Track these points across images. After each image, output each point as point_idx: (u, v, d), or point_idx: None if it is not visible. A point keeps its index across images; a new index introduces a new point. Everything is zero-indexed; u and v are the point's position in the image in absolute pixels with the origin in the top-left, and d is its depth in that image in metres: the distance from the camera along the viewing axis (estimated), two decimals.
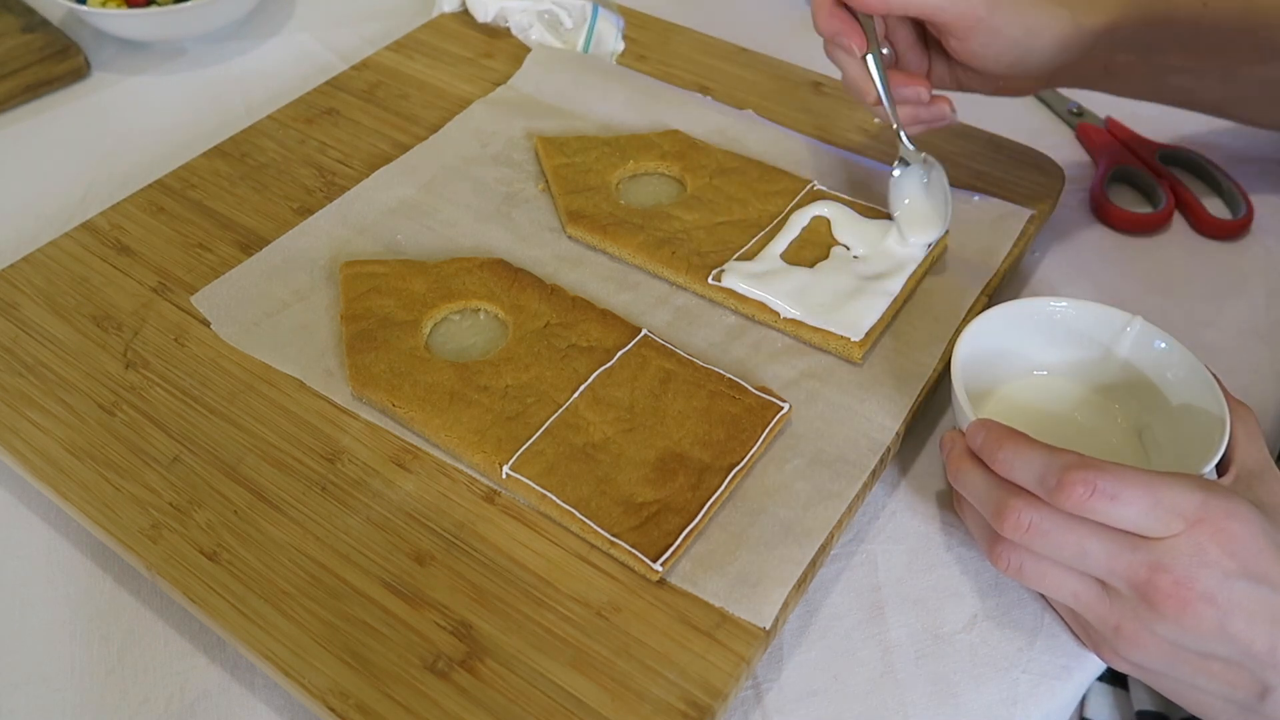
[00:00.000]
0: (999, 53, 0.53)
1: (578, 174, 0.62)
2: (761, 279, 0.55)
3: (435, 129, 0.67)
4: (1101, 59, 0.56)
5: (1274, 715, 0.38)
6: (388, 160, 0.65)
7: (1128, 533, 0.38)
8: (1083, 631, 0.43)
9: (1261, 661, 0.37)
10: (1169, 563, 0.37)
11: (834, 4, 0.53)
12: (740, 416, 0.49)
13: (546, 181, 0.63)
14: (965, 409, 0.45)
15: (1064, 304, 0.50)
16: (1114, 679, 0.51)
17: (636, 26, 0.77)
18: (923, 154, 0.56)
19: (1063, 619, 0.45)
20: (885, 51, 0.55)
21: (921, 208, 0.56)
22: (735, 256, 0.56)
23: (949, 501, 0.50)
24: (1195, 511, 0.38)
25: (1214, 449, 0.43)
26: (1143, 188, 0.68)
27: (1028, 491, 0.40)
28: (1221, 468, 0.44)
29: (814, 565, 0.45)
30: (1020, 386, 0.51)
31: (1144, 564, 0.38)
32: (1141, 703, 0.51)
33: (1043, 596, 0.46)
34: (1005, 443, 0.41)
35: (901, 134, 0.56)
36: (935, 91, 0.56)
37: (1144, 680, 0.42)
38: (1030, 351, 0.51)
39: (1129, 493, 0.38)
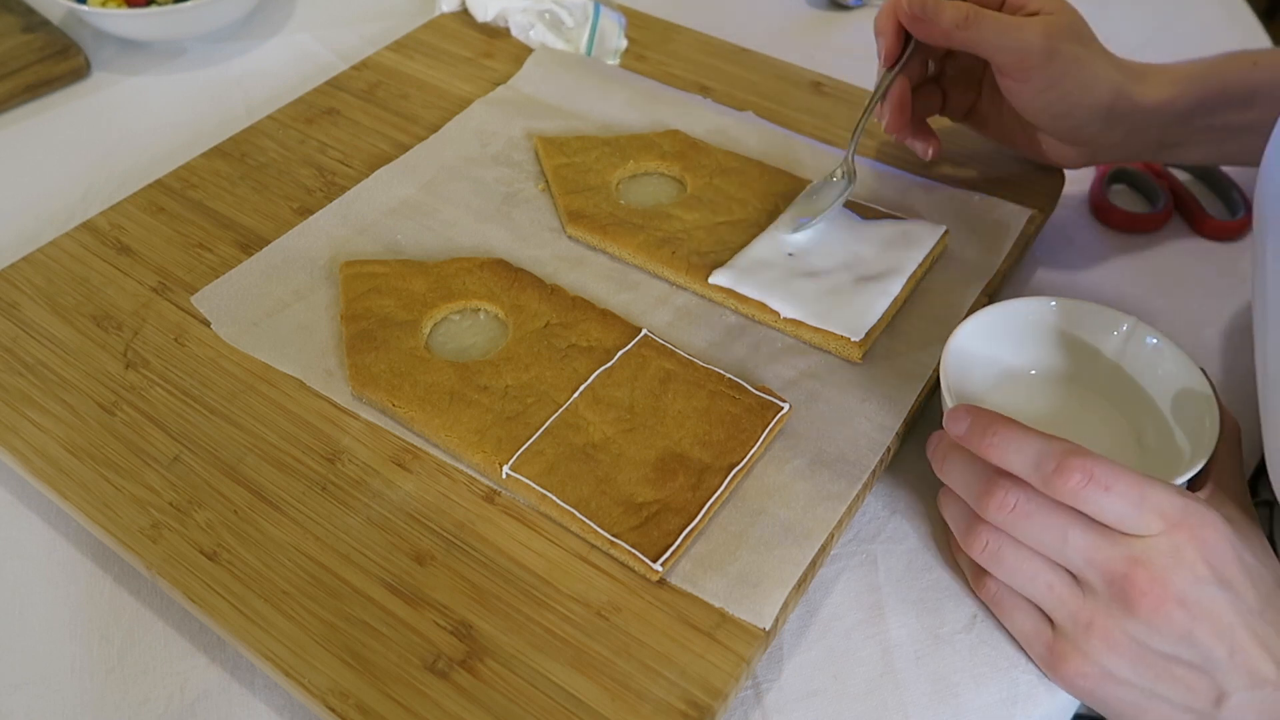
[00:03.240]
0: (1049, 102, 0.54)
1: (578, 174, 0.62)
2: (761, 278, 0.55)
3: (435, 129, 0.67)
4: (1155, 135, 0.56)
5: None
6: (388, 160, 0.65)
7: (1109, 528, 0.39)
8: (1045, 648, 0.43)
9: (1221, 667, 0.38)
10: (1147, 560, 0.38)
11: (894, 9, 0.54)
12: (740, 416, 0.49)
13: (546, 181, 0.63)
14: (949, 402, 0.45)
15: (1055, 304, 0.50)
16: None
17: (636, 26, 0.77)
18: (846, 172, 0.59)
19: (1021, 646, 0.45)
20: (929, 72, 0.60)
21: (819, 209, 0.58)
22: (735, 256, 0.56)
23: None
24: (1177, 515, 0.38)
25: (1199, 459, 0.43)
26: (1142, 188, 0.68)
27: (1013, 476, 0.40)
28: (1199, 480, 0.44)
29: (814, 565, 0.45)
30: (1013, 387, 0.51)
31: (1123, 558, 0.39)
32: None
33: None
34: (998, 427, 0.41)
35: (852, 149, 0.58)
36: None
37: (1099, 702, 0.42)
38: (1023, 352, 0.51)
39: (1120, 486, 0.38)
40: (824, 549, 0.45)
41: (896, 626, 0.46)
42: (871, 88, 0.70)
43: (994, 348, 0.50)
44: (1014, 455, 0.40)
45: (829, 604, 0.47)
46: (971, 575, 0.46)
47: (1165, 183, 0.67)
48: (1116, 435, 0.49)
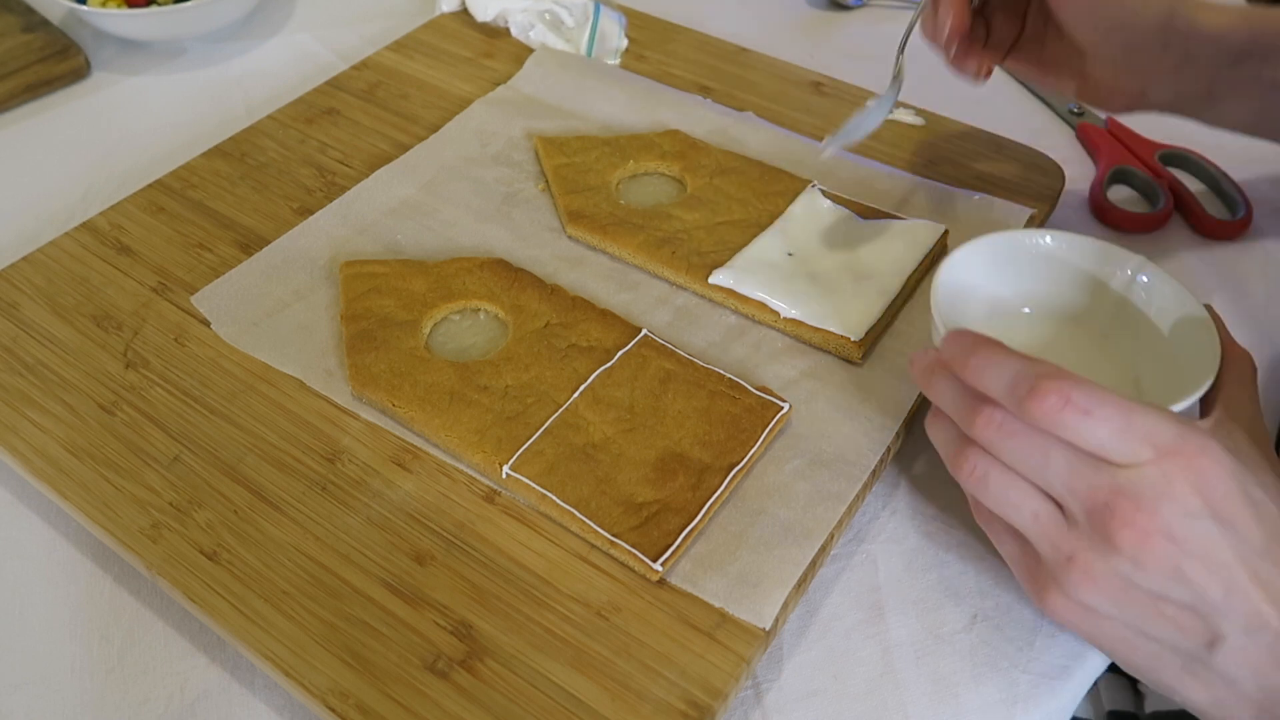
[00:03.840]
0: (1102, 12, 0.50)
1: (578, 174, 0.62)
2: (761, 278, 0.55)
3: (435, 129, 0.67)
4: (1206, 76, 0.52)
5: (1221, 667, 0.36)
6: (388, 160, 0.65)
7: (1094, 455, 0.36)
8: (1029, 575, 0.40)
9: (1216, 608, 0.35)
10: (1132, 490, 0.35)
11: None
12: (740, 416, 0.49)
13: (546, 181, 0.63)
14: (936, 320, 0.44)
15: (1048, 237, 0.49)
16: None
17: (637, 26, 0.77)
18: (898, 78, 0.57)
19: (1011, 568, 0.42)
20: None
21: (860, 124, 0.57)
22: (735, 256, 0.56)
23: (949, 501, 0.50)
24: (1169, 443, 0.35)
25: (1199, 386, 0.42)
26: (1142, 188, 0.68)
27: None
28: (1205, 409, 0.42)
29: (814, 565, 0.45)
30: (1005, 324, 0.50)
31: (1106, 487, 0.36)
32: (1112, 702, 0.51)
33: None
34: (979, 349, 0.39)
35: (901, 57, 0.56)
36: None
37: (1085, 634, 0.39)
38: (1016, 288, 0.50)
39: (1102, 411, 0.35)
40: (824, 549, 0.45)
41: (896, 626, 0.46)
42: (869, 86, 0.71)
43: (986, 281, 0.49)
44: (991, 377, 0.38)
45: (829, 604, 0.47)
46: (970, 498, 0.43)
47: (1165, 183, 0.67)
48: (1117, 375, 0.48)
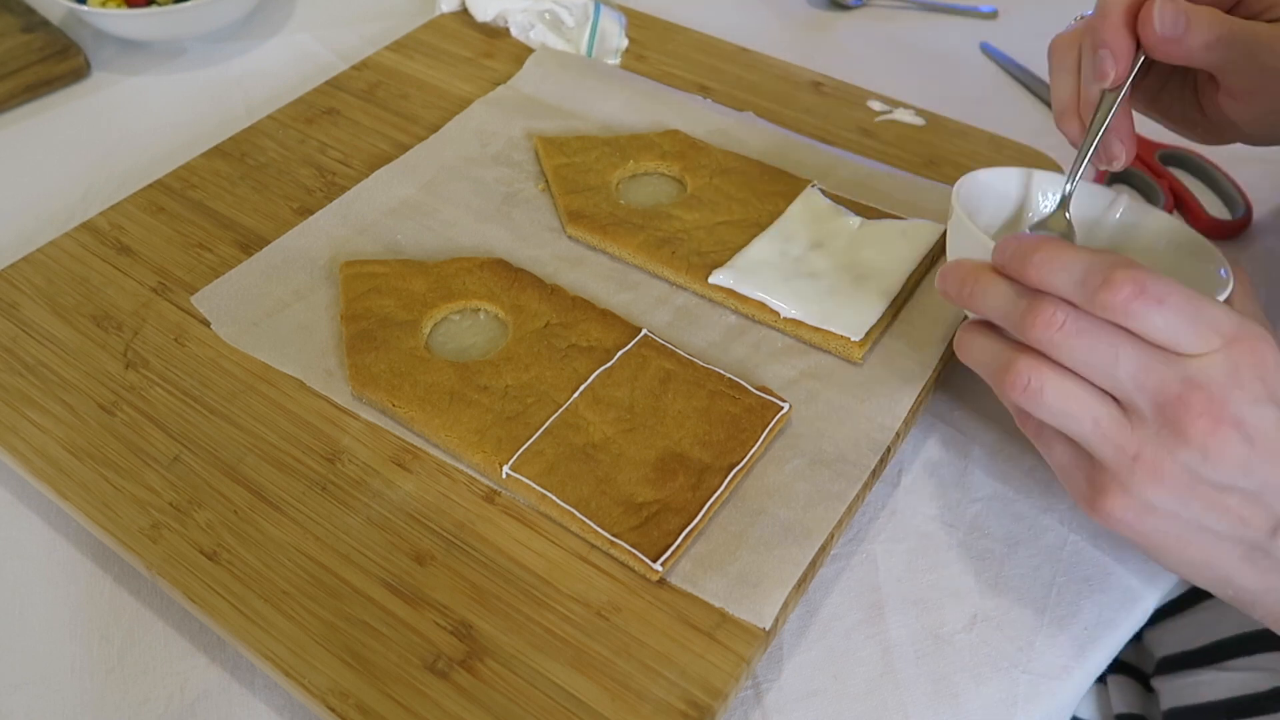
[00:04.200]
0: (1264, 117, 0.48)
1: (578, 174, 0.62)
2: (761, 278, 0.55)
3: (435, 129, 0.67)
4: None
5: None
6: (388, 160, 0.65)
7: (1161, 348, 0.36)
8: (1086, 481, 0.39)
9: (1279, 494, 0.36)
10: (1204, 380, 0.35)
11: (1126, 20, 0.45)
12: (740, 416, 0.49)
13: (546, 181, 0.63)
14: (974, 232, 0.42)
15: (1042, 176, 0.49)
16: (1098, 678, 0.51)
17: (637, 26, 0.77)
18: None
19: (1057, 476, 0.42)
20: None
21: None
22: (735, 256, 0.56)
23: (949, 501, 0.50)
24: (1233, 330, 0.36)
25: (1223, 288, 0.42)
26: (1142, 188, 0.68)
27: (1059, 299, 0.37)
28: None
29: (814, 565, 0.45)
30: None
31: (1177, 379, 0.36)
32: (1122, 705, 0.51)
33: (1033, 598, 0.46)
34: (1042, 246, 0.37)
35: (1078, 175, 0.48)
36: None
37: (1141, 536, 0.39)
38: (1026, 213, 0.50)
39: (1174, 299, 0.35)
40: (824, 549, 0.45)
41: (896, 626, 0.46)
42: (869, 86, 0.71)
43: (995, 205, 0.49)
44: (1059, 273, 0.37)
45: (829, 604, 0.47)
46: (1014, 411, 0.42)
47: (1165, 183, 0.67)
48: None
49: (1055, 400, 0.38)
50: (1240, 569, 0.38)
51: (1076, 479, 0.40)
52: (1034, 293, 0.38)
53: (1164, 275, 0.36)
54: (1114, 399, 0.37)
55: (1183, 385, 0.35)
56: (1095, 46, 0.46)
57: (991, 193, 0.49)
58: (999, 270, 0.39)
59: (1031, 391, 0.38)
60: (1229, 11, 0.46)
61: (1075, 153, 0.48)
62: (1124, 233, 0.48)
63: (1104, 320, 0.36)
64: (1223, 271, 0.43)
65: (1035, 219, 0.50)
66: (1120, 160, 0.48)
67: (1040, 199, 0.50)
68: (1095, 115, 0.47)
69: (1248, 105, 0.47)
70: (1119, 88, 0.46)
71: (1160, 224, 0.47)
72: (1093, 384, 0.38)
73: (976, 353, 0.41)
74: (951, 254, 0.46)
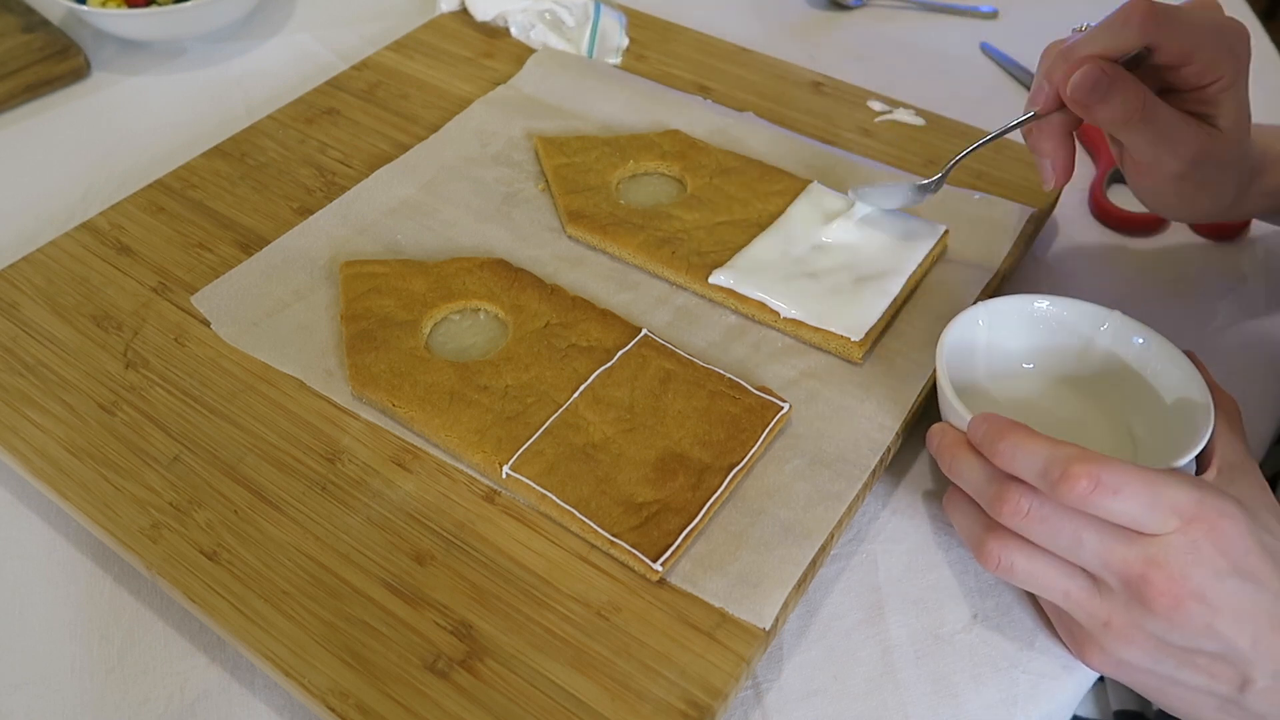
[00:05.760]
0: (1167, 198, 0.51)
1: (578, 174, 0.62)
2: (761, 278, 0.55)
3: (435, 129, 0.67)
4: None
5: (1253, 707, 0.39)
6: (388, 160, 0.65)
7: (1123, 527, 0.39)
8: (1068, 633, 0.43)
9: (1245, 656, 0.38)
10: (1164, 559, 0.38)
11: (1073, 68, 0.46)
12: (740, 416, 0.49)
13: (546, 181, 0.63)
14: (954, 402, 0.45)
15: (1046, 302, 0.50)
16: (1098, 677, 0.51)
17: (637, 26, 0.77)
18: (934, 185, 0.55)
19: (1049, 624, 0.45)
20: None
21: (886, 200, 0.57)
22: (735, 256, 0.56)
23: None
24: (1191, 509, 0.38)
25: (1197, 439, 0.43)
26: None
27: (1026, 483, 0.40)
28: (1203, 460, 0.44)
29: (814, 565, 0.45)
30: (1007, 382, 0.51)
31: (1139, 559, 0.38)
32: (1119, 702, 0.51)
33: (1033, 600, 0.46)
34: (1007, 434, 0.41)
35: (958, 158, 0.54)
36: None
37: (1125, 681, 0.42)
38: (1016, 346, 0.51)
39: (1130, 488, 0.38)
40: (824, 549, 0.45)
41: (896, 626, 0.46)
42: (869, 86, 0.71)
43: (987, 343, 0.50)
44: (1023, 463, 0.40)
45: (829, 604, 0.47)
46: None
47: None
48: (1112, 427, 0.49)
49: (1026, 576, 0.41)
50: (1219, 718, 0.40)
51: (1062, 627, 0.44)
52: (1004, 476, 0.41)
53: (1120, 460, 0.38)
54: (1085, 570, 0.40)
55: (1144, 565, 0.38)
56: (1043, 73, 0.49)
57: (963, 343, 0.50)
58: (975, 444, 0.43)
59: (1004, 568, 0.42)
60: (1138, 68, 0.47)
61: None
62: (1118, 351, 0.49)
63: (1067, 506, 0.39)
64: (1199, 417, 0.44)
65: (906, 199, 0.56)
66: (1049, 183, 0.52)
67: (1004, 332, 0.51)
68: (1009, 121, 0.51)
69: (1142, 178, 0.50)
70: (1041, 117, 0.50)
71: (1149, 346, 0.48)
72: (1063, 559, 0.41)
73: (958, 518, 0.45)
74: (941, 405, 0.48)
